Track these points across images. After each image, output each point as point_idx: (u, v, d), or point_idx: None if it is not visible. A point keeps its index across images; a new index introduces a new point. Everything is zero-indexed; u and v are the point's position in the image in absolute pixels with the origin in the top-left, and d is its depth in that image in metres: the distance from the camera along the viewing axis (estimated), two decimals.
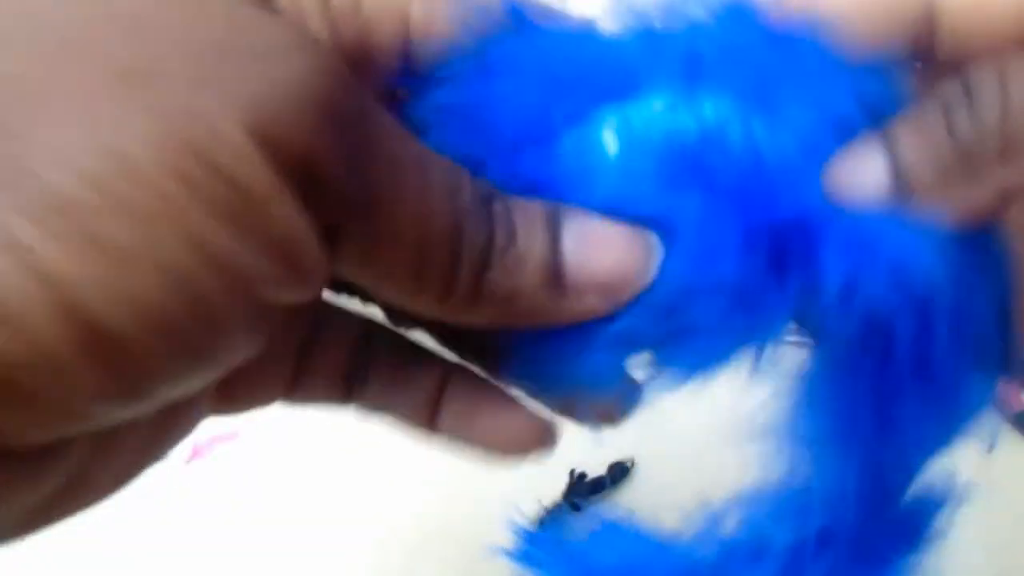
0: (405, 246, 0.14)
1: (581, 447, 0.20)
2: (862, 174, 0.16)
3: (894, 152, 0.16)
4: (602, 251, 0.16)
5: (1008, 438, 0.38)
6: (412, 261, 0.15)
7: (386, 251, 0.14)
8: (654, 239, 0.16)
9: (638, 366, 0.18)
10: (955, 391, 0.17)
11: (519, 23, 0.17)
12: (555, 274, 0.16)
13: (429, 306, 0.15)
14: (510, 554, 0.21)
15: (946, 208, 0.16)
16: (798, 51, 0.16)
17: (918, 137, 0.16)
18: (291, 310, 0.14)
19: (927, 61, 0.17)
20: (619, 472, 0.39)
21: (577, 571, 0.20)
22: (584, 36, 0.17)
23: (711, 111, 0.16)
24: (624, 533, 0.21)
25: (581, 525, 0.21)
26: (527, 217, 0.16)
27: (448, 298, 0.15)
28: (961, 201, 0.16)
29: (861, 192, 0.16)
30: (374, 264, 0.14)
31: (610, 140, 0.16)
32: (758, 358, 0.17)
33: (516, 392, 0.19)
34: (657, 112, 0.16)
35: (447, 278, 0.15)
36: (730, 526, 0.20)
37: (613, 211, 0.16)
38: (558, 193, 0.16)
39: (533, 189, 0.16)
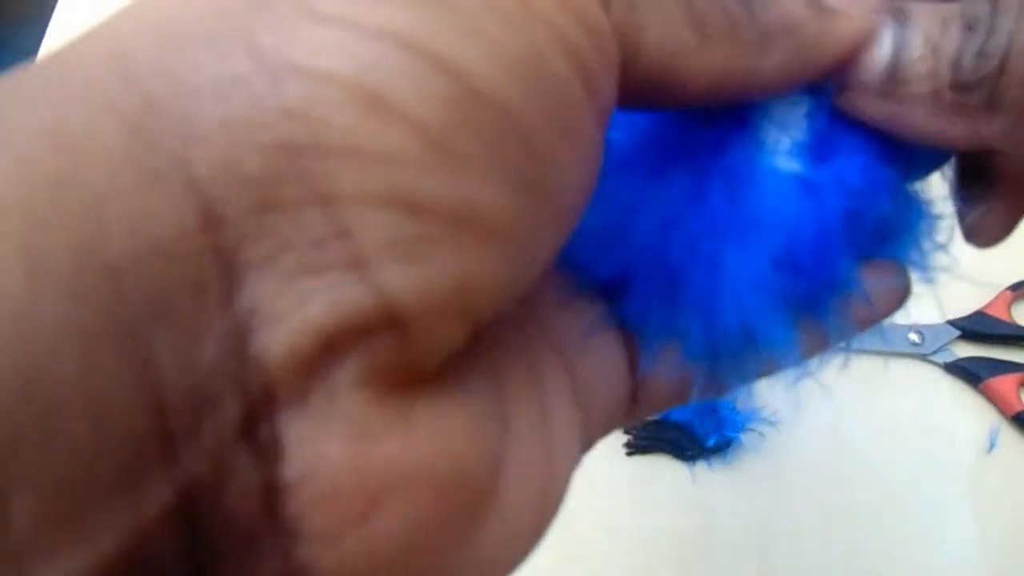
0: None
1: None
2: (867, 50, 0.15)
3: (901, 46, 0.15)
4: None
5: (1008, 438, 0.38)
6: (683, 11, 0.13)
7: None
8: None
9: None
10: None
11: None
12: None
13: (719, 57, 0.14)
14: None
15: (911, 125, 0.15)
16: None
17: (927, 46, 0.15)
18: None
19: None
20: None
21: None
22: None
23: None
24: None
25: None
26: None
27: (735, 40, 0.14)
28: (930, 125, 0.15)
29: (860, 64, 0.15)
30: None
31: None
32: None
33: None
34: None
35: (726, 17, 0.14)
36: None
37: None
38: None
39: None
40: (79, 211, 0.09)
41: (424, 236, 0.10)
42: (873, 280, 0.17)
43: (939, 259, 0.18)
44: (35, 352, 0.08)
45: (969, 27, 0.15)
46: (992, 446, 0.38)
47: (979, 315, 0.40)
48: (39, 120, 0.09)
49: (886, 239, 0.17)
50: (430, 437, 0.11)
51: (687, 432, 0.37)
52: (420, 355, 0.11)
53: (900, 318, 0.40)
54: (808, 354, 0.17)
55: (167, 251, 0.09)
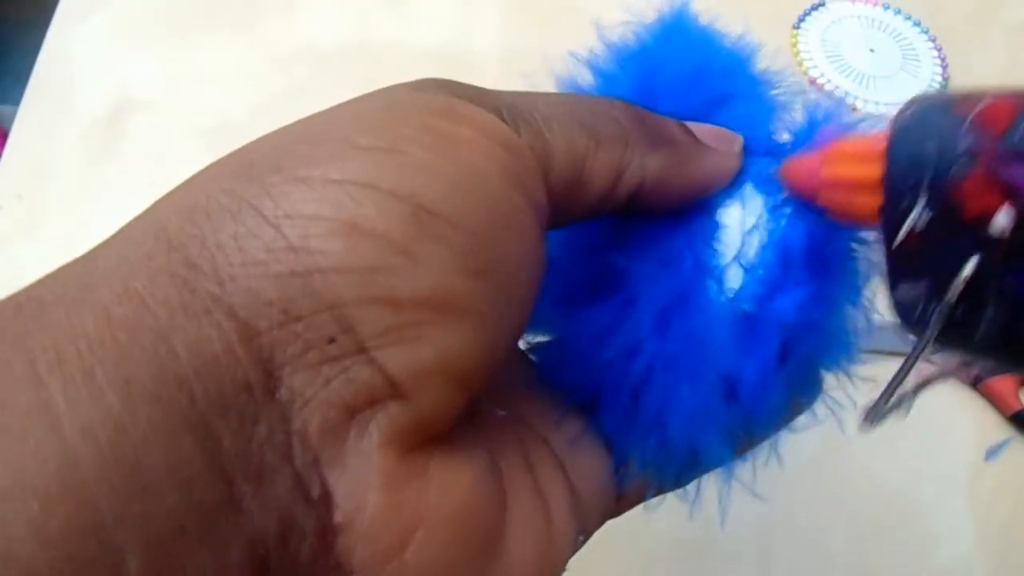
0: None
1: None
2: None
3: None
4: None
5: (1007, 438, 0.39)
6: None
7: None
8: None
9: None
10: None
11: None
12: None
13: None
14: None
15: None
16: None
17: None
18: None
19: None
20: None
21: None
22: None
23: None
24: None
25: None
26: None
27: (625, 143, 0.17)
28: None
29: None
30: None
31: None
32: None
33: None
34: None
35: (616, 126, 0.17)
36: None
37: None
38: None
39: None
40: (152, 343, 0.12)
41: (407, 322, 0.13)
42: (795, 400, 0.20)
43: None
44: (134, 444, 0.11)
45: None
46: (992, 455, 0.38)
47: None
48: (112, 285, 0.12)
49: (812, 364, 0.20)
50: (444, 487, 0.14)
51: None
52: (426, 417, 0.13)
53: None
54: (737, 458, 0.20)
55: (220, 362, 0.12)
